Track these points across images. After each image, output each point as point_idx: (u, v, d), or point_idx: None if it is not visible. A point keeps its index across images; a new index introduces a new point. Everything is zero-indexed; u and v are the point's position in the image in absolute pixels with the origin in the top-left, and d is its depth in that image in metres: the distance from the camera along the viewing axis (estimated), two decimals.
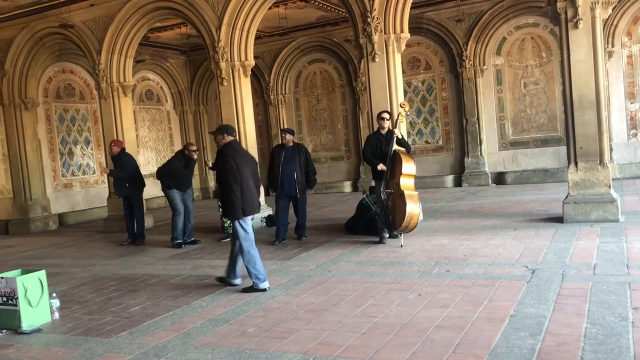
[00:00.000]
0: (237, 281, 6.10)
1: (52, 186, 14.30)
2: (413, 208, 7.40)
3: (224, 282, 6.15)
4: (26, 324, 5.15)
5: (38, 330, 5.12)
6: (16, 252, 10.48)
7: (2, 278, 5.26)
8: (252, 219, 6.03)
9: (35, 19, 12.34)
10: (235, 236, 5.96)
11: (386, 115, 7.95)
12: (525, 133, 14.60)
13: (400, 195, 7.40)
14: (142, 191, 10.03)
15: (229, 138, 6.05)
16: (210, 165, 9.18)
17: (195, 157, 9.51)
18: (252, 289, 5.77)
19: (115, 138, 11.32)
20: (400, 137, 7.81)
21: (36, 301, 5.27)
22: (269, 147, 17.48)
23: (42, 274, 5.46)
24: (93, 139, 15.39)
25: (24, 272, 5.47)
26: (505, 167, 14.77)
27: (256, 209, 6.03)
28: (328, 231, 9.26)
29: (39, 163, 13.69)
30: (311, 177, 8.69)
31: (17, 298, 5.15)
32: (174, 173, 9.18)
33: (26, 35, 12.69)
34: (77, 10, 11.77)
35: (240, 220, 5.84)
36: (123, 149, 9.99)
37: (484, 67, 14.71)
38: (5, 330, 5.16)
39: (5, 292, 5.22)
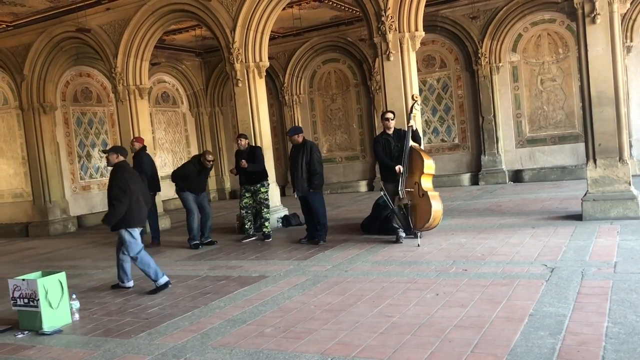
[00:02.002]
0: (130, 284, 6.73)
1: (70, 189, 14.49)
2: (438, 207, 7.38)
3: (119, 287, 6.69)
4: (47, 325, 5.22)
5: (59, 331, 5.19)
6: (36, 254, 10.62)
7: (23, 280, 5.34)
8: (140, 230, 6.65)
9: (53, 24, 12.50)
10: (123, 244, 6.53)
11: (390, 115, 7.84)
12: (542, 130, 14.45)
13: (423, 195, 7.35)
14: (155, 194, 10.02)
15: (121, 158, 6.64)
16: (235, 172, 9.31)
17: (210, 166, 9.40)
18: (157, 289, 6.33)
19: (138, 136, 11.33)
20: (415, 129, 7.71)
21: (56, 303, 5.34)
22: (284, 147, 17.56)
23: (62, 275, 5.53)
24: (110, 141, 15.53)
25: (45, 274, 5.56)
26: (523, 165, 14.64)
27: (144, 221, 6.76)
28: (344, 231, 9.25)
29: (58, 166, 13.87)
30: (312, 178, 8.13)
31: (38, 300, 5.22)
32: (187, 177, 9.23)
33: (44, 40, 12.86)
34: (93, 15, 11.91)
35: (130, 230, 6.46)
36: (144, 147, 10.04)
37: (500, 64, 14.59)
38: (26, 332, 5.23)
39: (26, 294, 5.30)
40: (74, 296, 5.73)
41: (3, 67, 13.74)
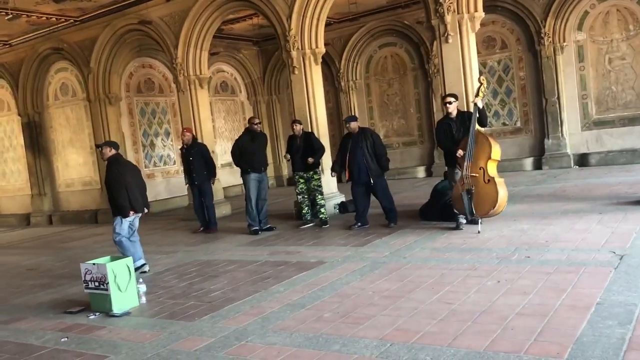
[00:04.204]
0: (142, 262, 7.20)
1: None
2: (504, 194, 7.22)
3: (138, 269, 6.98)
4: (116, 307, 5.46)
5: (127, 314, 5.43)
6: (105, 239, 11.08)
7: (93, 264, 5.61)
8: (139, 216, 7.18)
9: (116, 17, 12.94)
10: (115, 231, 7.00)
11: (450, 99, 7.64)
12: (610, 112, 13.80)
13: (489, 180, 7.18)
14: (213, 181, 10.37)
15: (114, 151, 7.06)
16: (288, 158, 9.44)
17: (258, 129, 9.69)
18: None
19: (187, 127, 11.65)
20: (481, 107, 7.32)
21: (125, 286, 5.58)
22: (340, 134, 17.49)
23: (129, 260, 5.79)
24: (173, 130, 15.98)
25: (113, 259, 5.82)
26: (589, 148, 14.04)
27: (141, 208, 7.09)
28: (402, 217, 9.15)
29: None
30: (382, 161, 8.47)
31: (108, 283, 5.47)
32: (243, 151, 9.37)
33: (108, 33, 13.34)
34: (154, 7, 12.25)
35: (126, 219, 6.93)
36: (194, 136, 10.35)
37: (564, 43, 13.99)
38: (98, 313, 5.51)
39: (97, 277, 5.56)
40: (140, 280, 5.98)
41: (71, 61, 14.36)
